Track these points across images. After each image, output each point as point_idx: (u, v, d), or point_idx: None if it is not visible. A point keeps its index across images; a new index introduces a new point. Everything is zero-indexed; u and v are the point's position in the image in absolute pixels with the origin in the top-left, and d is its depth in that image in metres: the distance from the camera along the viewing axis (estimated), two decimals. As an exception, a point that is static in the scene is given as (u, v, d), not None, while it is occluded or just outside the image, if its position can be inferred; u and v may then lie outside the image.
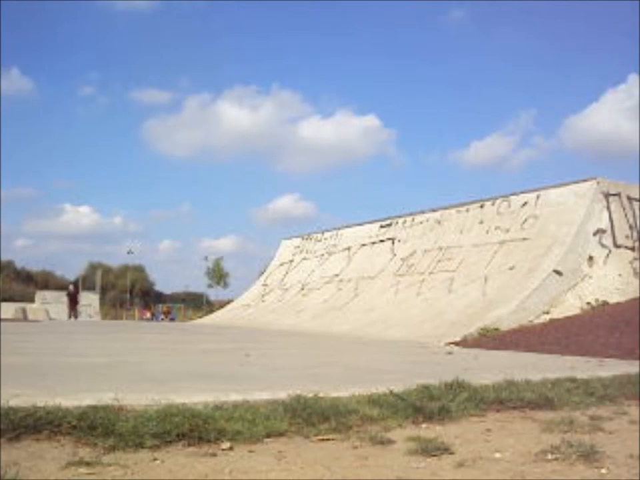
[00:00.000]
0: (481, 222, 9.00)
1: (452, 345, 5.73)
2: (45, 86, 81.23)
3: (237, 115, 77.94)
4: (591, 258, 7.55)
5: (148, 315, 40.39)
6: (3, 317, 17.72)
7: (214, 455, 1.79)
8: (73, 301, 21.48)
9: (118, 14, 78.62)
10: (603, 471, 1.68)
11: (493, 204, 9.10)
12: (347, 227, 13.07)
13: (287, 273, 14.11)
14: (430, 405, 2.39)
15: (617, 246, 7.87)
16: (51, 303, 24.02)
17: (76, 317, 21.34)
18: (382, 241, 11.13)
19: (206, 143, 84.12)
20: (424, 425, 2.25)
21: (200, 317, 21.03)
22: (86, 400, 2.13)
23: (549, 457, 1.80)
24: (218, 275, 55.23)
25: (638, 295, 7.18)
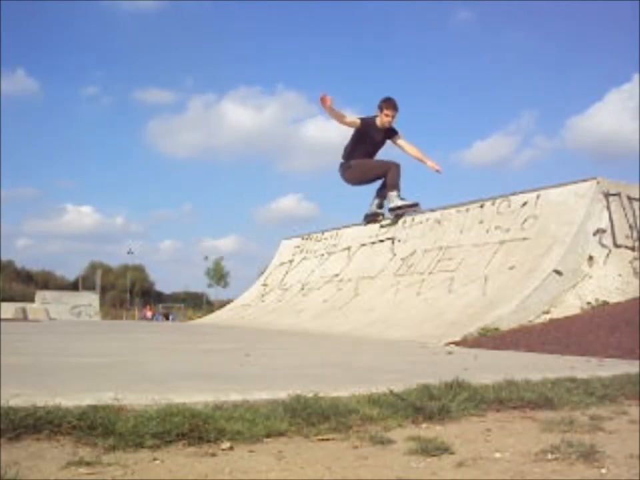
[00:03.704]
0: (481, 222, 8.99)
1: (452, 345, 5.73)
2: (48, 86, 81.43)
3: (241, 116, 78.12)
4: (591, 258, 7.55)
5: (148, 314, 40.32)
6: (3, 316, 17.72)
7: (214, 455, 1.79)
8: None
9: (122, 14, 78.83)
10: (603, 470, 1.68)
11: (493, 204, 9.09)
12: (347, 227, 13.07)
13: (286, 272, 14.11)
14: (430, 404, 2.39)
15: (616, 246, 7.86)
16: (51, 303, 24.02)
17: None
18: (382, 240, 11.13)
19: (209, 144, 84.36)
20: (424, 425, 2.25)
21: (200, 317, 21.04)
22: (86, 400, 2.13)
23: (549, 456, 1.80)
24: (218, 275, 55.29)
25: (638, 294, 7.18)
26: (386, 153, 7.42)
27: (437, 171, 7.20)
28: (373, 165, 7.90)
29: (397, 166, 7.95)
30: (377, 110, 7.50)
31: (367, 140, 7.55)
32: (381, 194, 8.27)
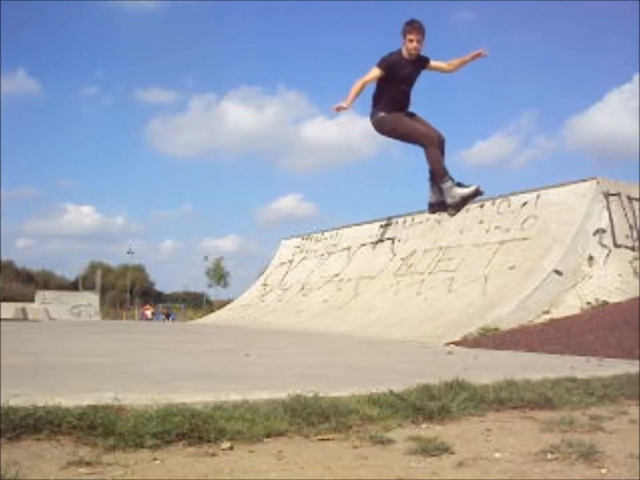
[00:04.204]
0: (481, 222, 8.99)
1: (452, 345, 5.73)
2: (50, 86, 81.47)
3: (242, 116, 78.11)
4: (591, 258, 7.54)
5: (149, 314, 40.17)
6: (3, 316, 17.71)
7: (214, 455, 1.79)
8: None
9: (124, 15, 78.92)
10: (603, 470, 1.68)
11: (493, 204, 9.09)
12: (347, 227, 13.07)
13: (286, 272, 14.11)
14: (430, 404, 2.39)
15: (616, 246, 7.86)
16: (51, 303, 23.99)
17: None
18: (382, 240, 11.13)
19: (210, 144, 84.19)
20: (424, 425, 2.24)
21: (200, 317, 21.04)
22: (86, 400, 2.13)
23: (549, 456, 1.80)
24: (218, 275, 55.30)
25: (638, 294, 7.18)
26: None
27: (480, 55, 6.59)
28: (411, 131, 7.04)
29: (438, 141, 7.03)
30: (401, 37, 6.89)
31: (395, 82, 6.79)
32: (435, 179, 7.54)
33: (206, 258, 56.13)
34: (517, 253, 7.82)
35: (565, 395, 2.71)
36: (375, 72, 6.21)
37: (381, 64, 6.33)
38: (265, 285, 14.68)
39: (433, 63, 7.00)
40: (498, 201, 9.05)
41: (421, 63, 6.60)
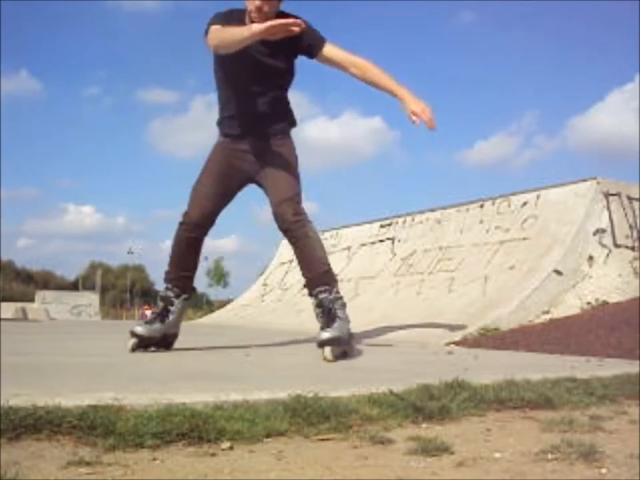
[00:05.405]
0: (481, 221, 8.98)
1: (452, 345, 5.72)
2: (51, 86, 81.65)
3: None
4: (591, 258, 7.54)
5: (149, 314, 40.15)
6: (3, 316, 17.70)
7: (214, 455, 1.79)
8: None
9: (125, 14, 79.09)
10: (603, 470, 1.68)
11: (493, 204, 9.08)
12: (347, 227, 13.05)
13: (286, 272, 14.09)
14: (430, 404, 2.39)
15: (616, 246, 7.85)
16: (51, 303, 24.00)
17: None
18: (382, 240, 11.12)
19: (211, 144, 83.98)
20: (424, 425, 2.24)
21: (200, 317, 21.03)
22: (86, 400, 2.13)
23: (549, 456, 1.80)
24: (218, 275, 55.34)
25: (638, 294, 7.17)
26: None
27: (414, 120, 3.61)
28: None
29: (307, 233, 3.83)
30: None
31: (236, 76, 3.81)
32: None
33: (206, 258, 56.22)
34: (517, 253, 7.82)
35: (564, 395, 2.71)
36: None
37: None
38: (265, 284, 14.66)
39: (326, 50, 3.71)
40: (498, 201, 9.04)
41: (298, 45, 3.55)
